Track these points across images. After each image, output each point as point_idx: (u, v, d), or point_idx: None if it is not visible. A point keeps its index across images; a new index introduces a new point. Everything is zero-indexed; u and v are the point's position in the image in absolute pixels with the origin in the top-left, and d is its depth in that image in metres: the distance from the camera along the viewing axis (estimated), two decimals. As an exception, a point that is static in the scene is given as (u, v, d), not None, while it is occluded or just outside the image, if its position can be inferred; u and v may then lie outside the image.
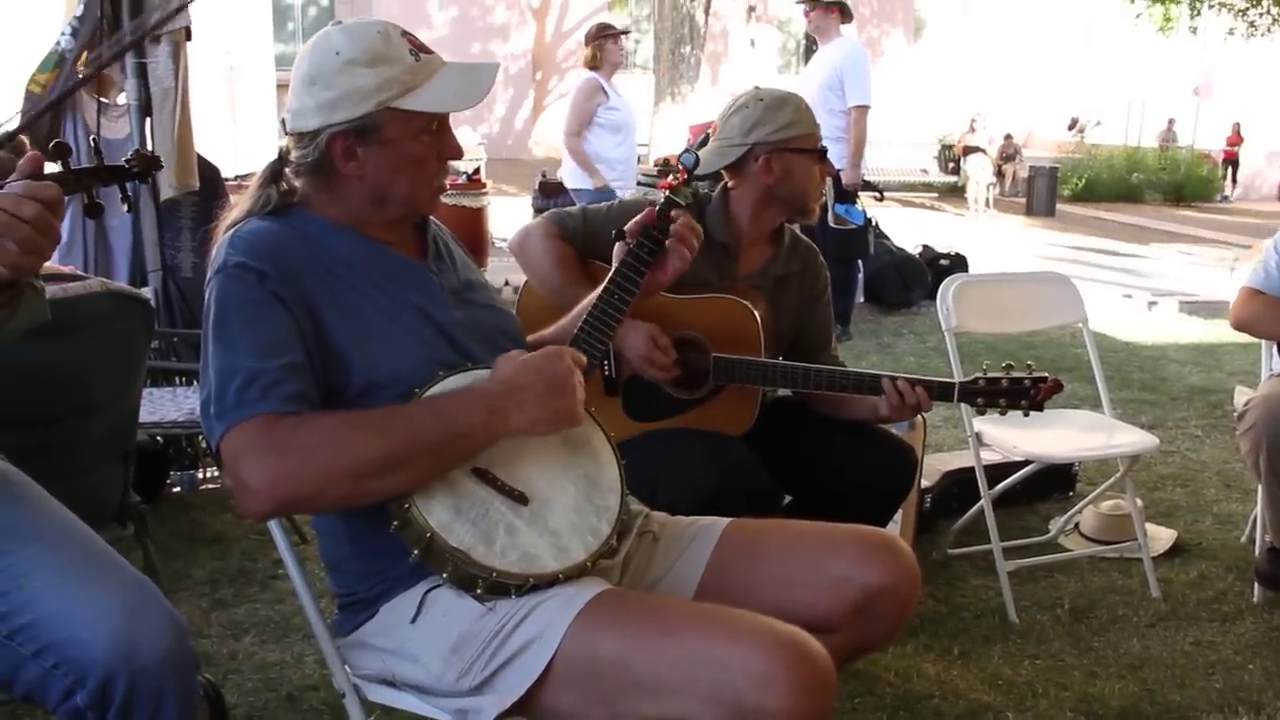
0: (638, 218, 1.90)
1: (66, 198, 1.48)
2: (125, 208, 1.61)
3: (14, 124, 3.85)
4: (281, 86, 11.54)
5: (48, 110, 2.44)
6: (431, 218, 1.83)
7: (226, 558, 3.57)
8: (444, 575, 1.57)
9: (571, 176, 6.42)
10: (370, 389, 1.62)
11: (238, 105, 9.62)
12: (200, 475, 4.20)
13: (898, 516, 3.25)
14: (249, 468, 1.49)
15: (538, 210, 7.35)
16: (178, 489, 4.13)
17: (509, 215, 9.18)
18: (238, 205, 1.74)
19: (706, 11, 13.72)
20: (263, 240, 1.63)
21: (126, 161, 1.56)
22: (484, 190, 7.13)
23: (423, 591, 1.63)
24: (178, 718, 1.51)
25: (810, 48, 12.44)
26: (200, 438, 4.06)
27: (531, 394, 1.60)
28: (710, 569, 1.81)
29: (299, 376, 1.55)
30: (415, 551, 1.55)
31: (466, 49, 18.47)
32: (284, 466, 1.49)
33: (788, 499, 2.65)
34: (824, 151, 2.62)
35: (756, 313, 2.46)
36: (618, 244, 1.89)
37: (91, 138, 1.71)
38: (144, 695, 1.47)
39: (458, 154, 1.77)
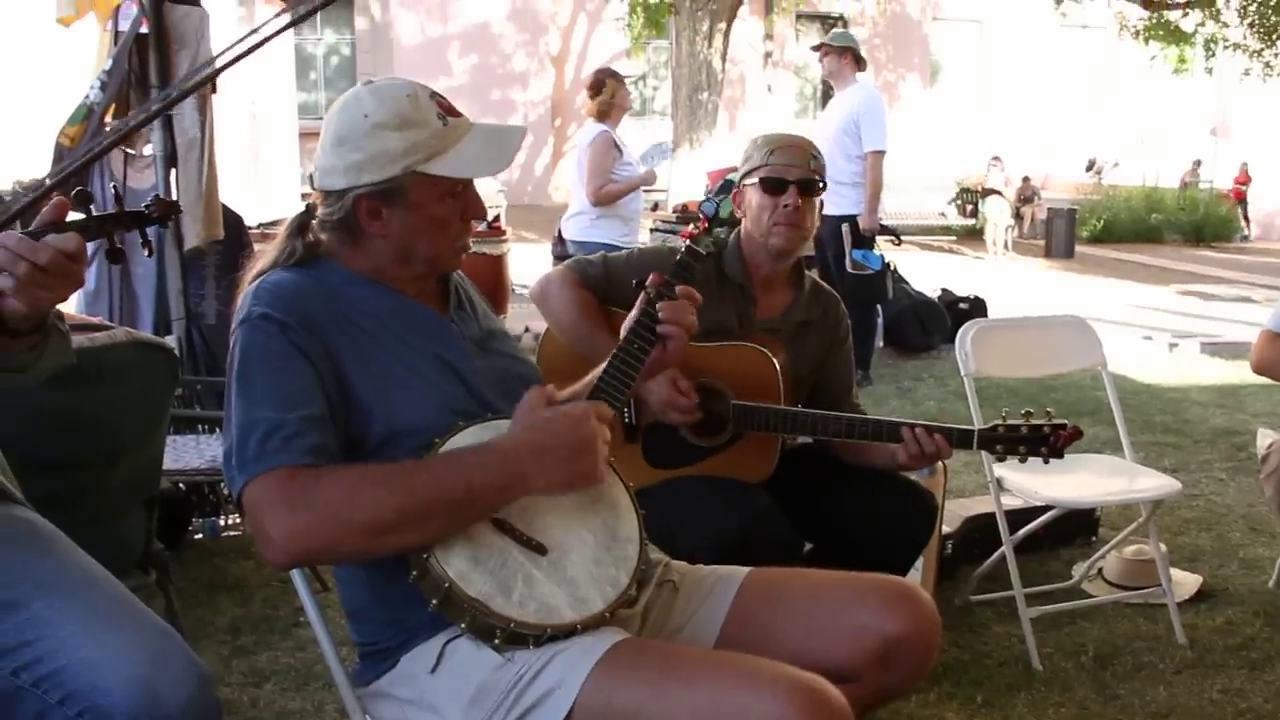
0: (657, 274, 1.91)
1: (90, 245, 1.51)
2: (146, 253, 1.64)
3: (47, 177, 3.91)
4: (304, 135, 11.70)
5: (82, 167, 2.47)
6: (457, 273, 1.86)
7: (248, 605, 3.57)
8: (462, 625, 1.58)
9: (577, 230, 6.40)
10: (391, 439, 1.64)
11: (260, 153, 9.74)
12: (222, 522, 4.22)
13: (919, 563, 3.23)
14: (269, 520, 1.51)
15: (558, 257, 7.37)
16: (200, 536, 4.15)
17: (529, 262, 9.23)
18: (263, 256, 1.77)
19: (723, 58, 13.82)
20: (286, 291, 1.66)
21: (146, 207, 1.58)
22: (504, 237, 7.17)
23: (442, 642, 1.63)
24: None
25: (827, 94, 12.51)
26: (222, 485, 4.09)
27: (554, 456, 1.60)
28: (731, 618, 1.81)
29: (320, 428, 1.57)
30: (434, 601, 1.56)
31: (486, 96, 18.65)
32: (302, 520, 1.51)
33: (808, 546, 2.64)
34: (777, 182, 2.60)
35: (776, 360, 2.47)
36: (640, 294, 1.91)
37: (113, 185, 1.74)
38: None
39: (481, 214, 1.80)
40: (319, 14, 19.43)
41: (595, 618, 1.61)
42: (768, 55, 21.51)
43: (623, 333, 1.85)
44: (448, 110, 1.71)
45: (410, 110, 1.67)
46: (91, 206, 1.54)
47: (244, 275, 1.75)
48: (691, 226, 2.02)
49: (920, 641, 1.79)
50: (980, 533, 3.78)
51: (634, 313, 1.86)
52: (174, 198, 4.19)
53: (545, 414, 1.64)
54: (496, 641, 1.57)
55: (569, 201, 6.54)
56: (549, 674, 1.56)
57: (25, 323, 1.51)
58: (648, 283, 1.90)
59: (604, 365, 1.87)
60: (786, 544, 2.44)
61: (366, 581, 1.71)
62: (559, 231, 6.72)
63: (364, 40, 19.46)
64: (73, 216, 1.52)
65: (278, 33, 1.61)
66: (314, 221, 1.75)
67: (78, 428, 2.43)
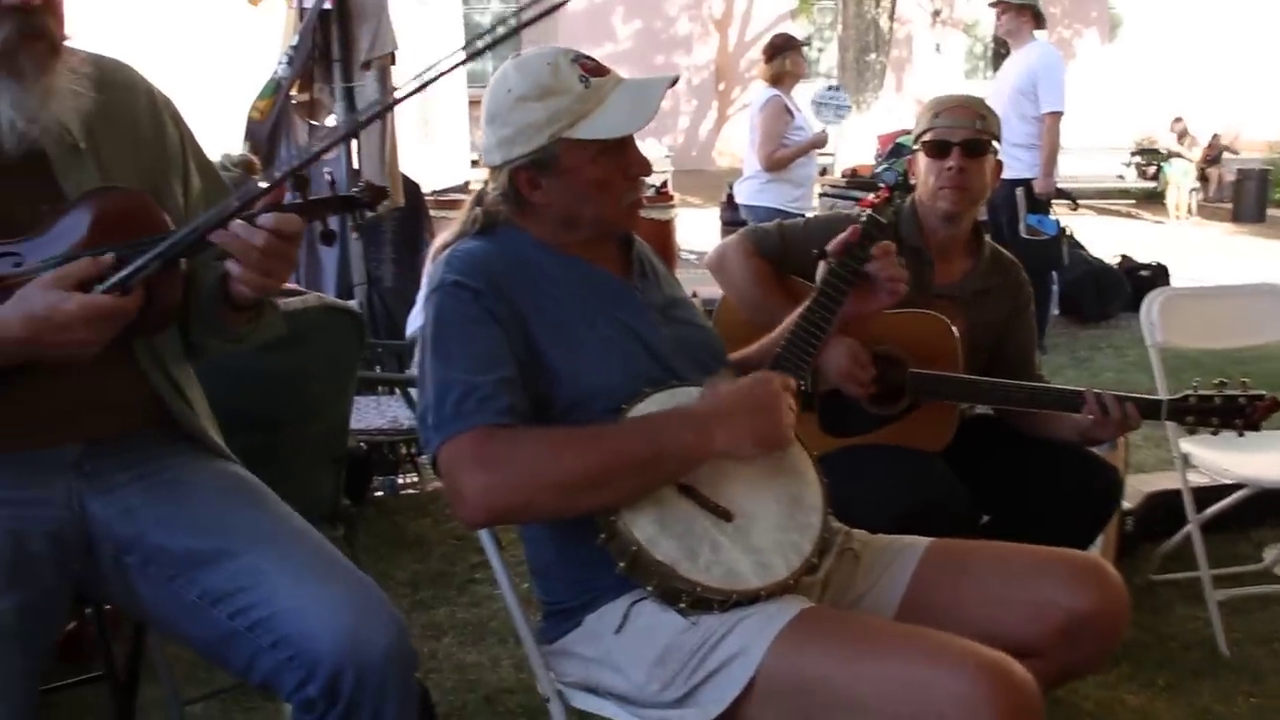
0: (841, 236, 1.90)
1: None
2: (355, 234, 1.71)
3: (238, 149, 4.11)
4: (473, 103, 11.93)
5: (320, 152, 2.57)
6: (637, 238, 1.88)
7: (426, 561, 3.70)
8: (649, 588, 1.60)
9: (748, 194, 6.40)
10: (578, 403, 1.67)
11: (431, 122, 9.98)
12: (400, 480, 4.39)
13: (1098, 539, 3.14)
14: (464, 479, 1.56)
15: (726, 223, 7.37)
16: (380, 493, 4.32)
17: (695, 227, 9.24)
18: (451, 226, 1.82)
19: (892, 17, 13.52)
20: (476, 259, 1.71)
21: (357, 191, 1.65)
22: (672, 203, 7.20)
23: (628, 603, 1.66)
24: (399, 713, 1.59)
25: (999, 51, 12.12)
26: (401, 444, 4.24)
27: (739, 417, 1.62)
28: (912, 589, 1.79)
29: (512, 391, 1.62)
30: (621, 564, 1.59)
31: (650, 61, 18.67)
32: (497, 478, 1.55)
33: (985, 518, 2.59)
34: (941, 144, 2.54)
35: (955, 328, 2.42)
36: (820, 263, 1.89)
37: (328, 171, 1.82)
38: (369, 690, 1.56)
39: (645, 169, 1.79)
40: (486, -18, 19.53)
41: (779, 584, 1.61)
42: (936, 13, 20.91)
43: (805, 303, 1.85)
44: (591, 71, 1.71)
45: (550, 79, 1.69)
46: (307, 190, 1.61)
47: (431, 243, 1.81)
48: (872, 195, 1.99)
49: (1108, 619, 1.75)
50: (1163, 509, 3.64)
51: (818, 276, 1.85)
52: (356, 167, 4.37)
53: (732, 383, 1.66)
54: (682, 605, 1.60)
55: (739, 166, 6.53)
56: (734, 639, 1.57)
57: (246, 299, 1.61)
58: (829, 248, 1.89)
59: (782, 329, 1.86)
60: (964, 515, 2.40)
61: (554, 542, 1.76)
62: (728, 196, 6.71)
63: (530, 8, 19.70)
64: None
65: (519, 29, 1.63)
66: (489, 198, 1.80)
67: (274, 389, 2.55)
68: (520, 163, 1.72)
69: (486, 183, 1.80)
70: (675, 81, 1.77)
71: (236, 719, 2.74)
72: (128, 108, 1.76)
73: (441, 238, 1.82)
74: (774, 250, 2.53)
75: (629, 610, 1.66)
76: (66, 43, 1.65)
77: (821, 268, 1.90)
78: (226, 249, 1.54)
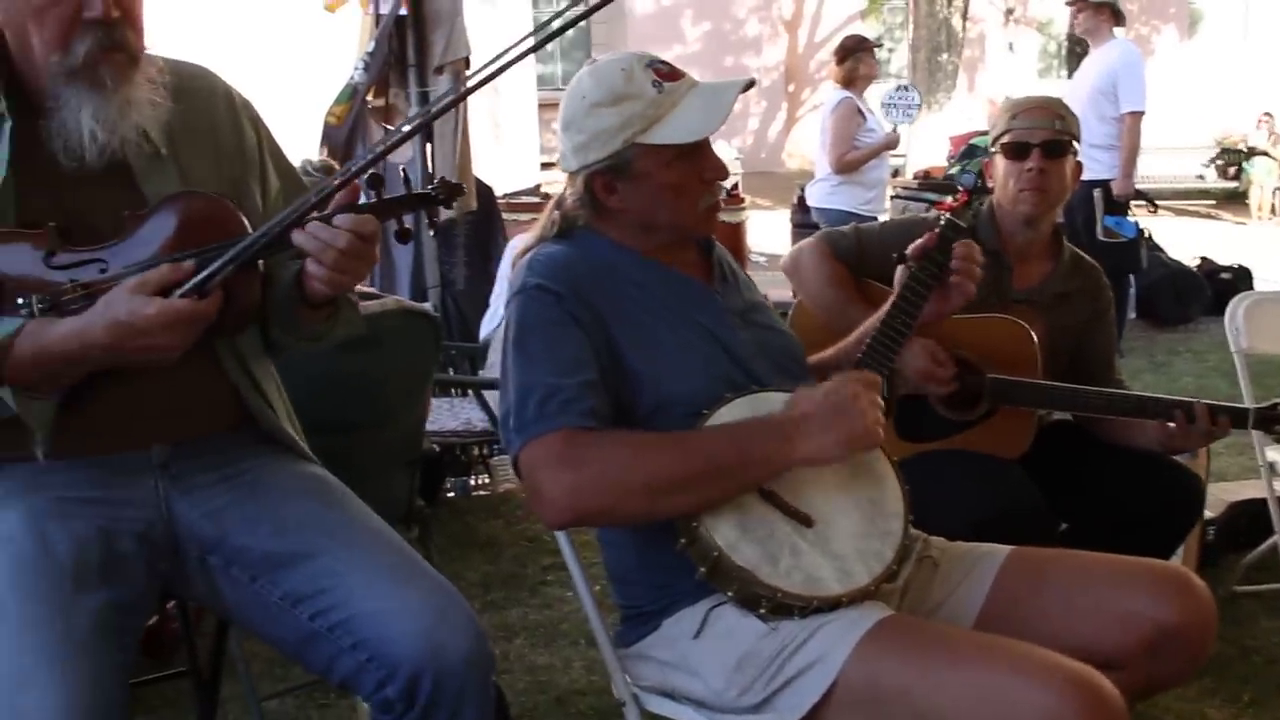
0: (919, 241, 1.88)
1: None
2: (432, 233, 1.73)
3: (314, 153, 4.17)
4: (542, 106, 12.00)
5: (398, 144, 2.61)
6: (717, 242, 1.88)
7: (497, 562, 3.73)
8: (729, 594, 1.60)
9: (819, 197, 6.37)
10: (659, 408, 1.68)
11: (501, 126, 10.04)
12: (472, 482, 4.42)
13: (1179, 549, 3.08)
14: (547, 480, 1.57)
15: (797, 225, 7.33)
16: (451, 494, 4.36)
17: (765, 229, 9.21)
18: (531, 230, 1.84)
19: (964, 16, 13.36)
20: (558, 263, 1.72)
21: (433, 189, 1.66)
22: (742, 205, 7.18)
23: (706, 608, 1.66)
24: (477, 716, 1.61)
25: (1074, 50, 11.91)
26: (473, 446, 4.28)
27: (822, 423, 1.61)
28: (991, 597, 1.77)
29: (594, 393, 1.62)
30: (702, 569, 1.59)
31: (719, 63, 18.64)
32: (580, 480, 1.56)
33: (1064, 526, 2.55)
34: (1019, 145, 2.50)
35: (1034, 334, 2.39)
36: (900, 267, 1.88)
37: (402, 168, 1.84)
38: (448, 694, 1.57)
39: (722, 174, 1.80)
40: (555, -15, 19.67)
41: (860, 591, 1.61)
42: (1009, 12, 20.63)
43: (885, 308, 1.84)
44: (666, 76, 1.71)
45: (623, 84, 1.70)
46: (382, 190, 1.63)
47: (504, 245, 1.83)
48: (951, 199, 1.97)
49: (1195, 632, 1.71)
50: (1246, 519, 3.55)
51: (898, 280, 1.84)
52: (431, 171, 4.42)
53: (814, 388, 1.65)
54: (762, 611, 1.59)
55: (809, 168, 6.50)
56: (813, 645, 1.57)
57: (322, 297, 1.64)
58: (909, 252, 1.87)
59: (860, 333, 1.85)
60: (1042, 523, 2.36)
61: (633, 546, 1.76)
62: (799, 198, 6.68)
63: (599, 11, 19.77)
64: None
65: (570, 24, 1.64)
66: (567, 203, 1.81)
67: (352, 392, 2.58)
68: (596, 168, 1.73)
69: (566, 187, 1.81)
70: (751, 85, 1.77)
71: (312, 715, 2.78)
72: (206, 112, 1.79)
73: (523, 242, 1.83)
74: (849, 253, 2.51)
75: (707, 615, 1.66)
76: (145, 51, 1.68)
77: (901, 272, 1.89)
78: (305, 249, 1.56)
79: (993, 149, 2.59)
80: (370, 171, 1.65)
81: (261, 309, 1.70)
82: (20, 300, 1.55)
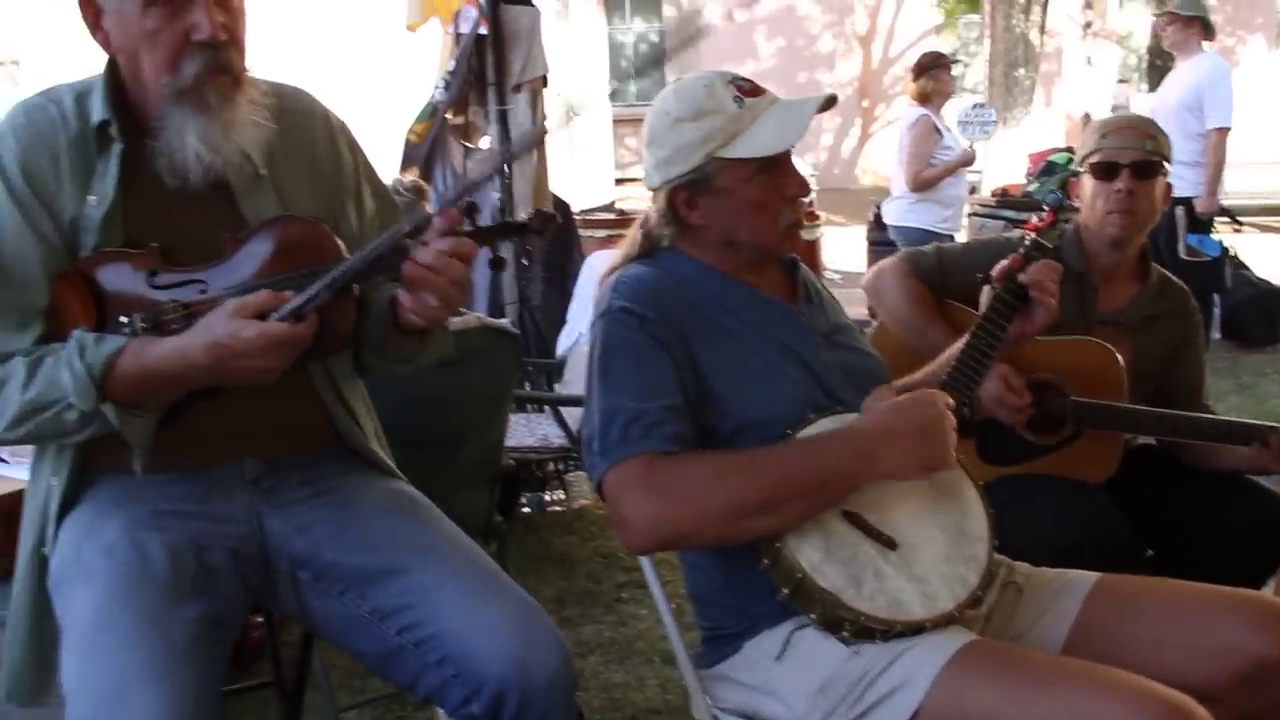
0: (1004, 262, 1.87)
1: None
2: (525, 261, 1.74)
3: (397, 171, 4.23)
4: (617, 123, 12.07)
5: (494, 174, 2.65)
6: (803, 265, 1.88)
7: (572, 578, 3.75)
8: (811, 616, 1.60)
9: (896, 214, 6.32)
10: (741, 430, 1.68)
11: (576, 143, 10.12)
12: (548, 498, 4.45)
13: (1270, 578, 3.00)
14: (630, 504, 1.58)
15: (873, 243, 7.29)
16: (527, 510, 4.39)
17: (840, 246, 9.15)
18: (617, 251, 1.85)
19: (1042, 30, 13.16)
20: (644, 285, 1.73)
21: (529, 219, 1.67)
22: (817, 222, 7.16)
23: (789, 631, 1.65)
24: None
25: (1154, 63, 11.68)
26: (549, 462, 4.31)
27: (902, 438, 1.61)
28: (1078, 625, 1.74)
29: (678, 417, 1.63)
30: (784, 590, 1.59)
31: (793, 79, 18.59)
32: (663, 505, 1.57)
33: (1150, 553, 2.50)
34: (1109, 166, 2.45)
35: (1120, 356, 2.35)
36: (985, 288, 1.86)
37: (497, 197, 1.86)
38: (533, 712, 1.59)
39: (803, 190, 1.80)
40: (628, 2, 19.77)
41: (944, 616, 1.59)
42: (1087, 25, 20.29)
43: (970, 330, 1.82)
44: (747, 92, 1.73)
45: (705, 100, 1.72)
46: (477, 218, 1.65)
47: (580, 261, 1.84)
48: (1036, 219, 1.95)
49: (1293, 666, 1.66)
50: (1341, 546, 3.46)
51: (983, 301, 1.82)
52: (511, 186, 4.47)
53: (893, 400, 1.64)
54: (845, 634, 1.59)
55: (883, 184, 6.47)
56: (897, 669, 1.55)
57: (415, 326, 1.66)
58: (994, 274, 1.86)
59: (946, 356, 1.84)
60: (1128, 550, 2.31)
61: (715, 568, 1.76)
62: (875, 215, 6.64)
63: (672, 27, 19.83)
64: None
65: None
66: (651, 220, 1.83)
67: (434, 408, 2.61)
68: (677, 183, 1.75)
69: (650, 206, 1.83)
70: (833, 102, 1.77)
71: (390, 727, 2.81)
72: (305, 134, 1.83)
73: (609, 262, 1.85)
74: (931, 273, 2.49)
75: (790, 637, 1.65)
76: (248, 73, 1.73)
77: (985, 293, 1.87)
78: (409, 276, 1.58)
79: (1080, 168, 2.55)
80: (468, 201, 1.66)
81: (355, 333, 1.73)
82: (124, 319, 1.61)
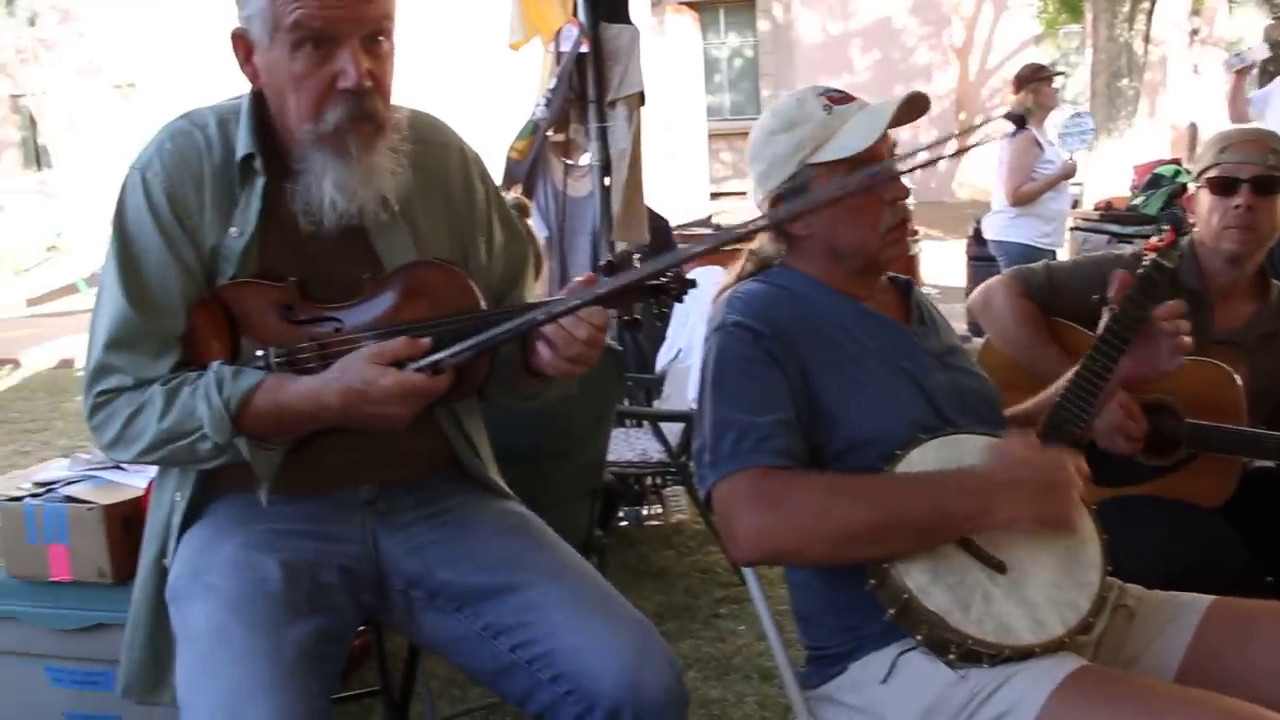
0: (1118, 285, 1.83)
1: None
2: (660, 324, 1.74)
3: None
4: (712, 137, 12.09)
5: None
6: (915, 285, 1.87)
7: (670, 593, 3.76)
8: (917, 638, 1.59)
9: (996, 229, 6.22)
10: (851, 447, 1.68)
11: (673, 158, 10.16)
12: (645, 512, 4.47)
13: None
14: (738, 518, 1.59)
15: (972, 258, 7.18)
16: (624, 523, 4.42)
17: (938, 260, 9.05)
18: (732, 267, 1.88)
19: (1146, 39, 12.86)
20: (758, 301, 1.74)
21: (667, 282, 1.67)
22: (915, 236, 7.08)
23: (895, 653, 1.64)
24: None
25: (1266, 69, 11.35)
26: (647, 476, 4.33)
27: (1028, 493, 1.59)
28: (1193, 651, 1.70)
29: (790, 433, 1.64)
30: (890, 611, 1.58)
31: (888, 92, 18.08)
32: (771, 521, 1.57)
33: (1269, 579, 2.43)
34: (1227, 181, 2.39)
35: (1237, 377, 2.29)
36: (1104, 310, 1.84)
37: (637, 257, 1.88)
38: None
39: (901, 193, 1.79)
40: (722, 17, 19.73)
41: (1053, 642, 1.57)
42: (1194, 33, 19.80)
43: (1086, 353, 1.79)
44: (837, 101, 1.76)
45: (796, 111, 1.76)
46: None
47: (720, 288, 1.86)
48: (1155, 238, 1.92)
49: None
50: None
51: (1100, 327, 1.79)
52: (610, 202, 4.50)
53: (1024, 451, 1.63)
54: (951, 657, 1.57)
55: (980, 198, 6.37)
56: (1005, 694, 1.53)
57: (547, 373, 1.69)
58: (1109, 295, 1.83)
59: (1060, 384, 1.82)
60: (1246, 575, 2.25)
61: (821, 588, 1.76)
62: (975, 230, 6.55)
63: (766, 41, 19.80)
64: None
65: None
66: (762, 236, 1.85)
67: (539, 423, 2.63)
68: (776, 194, 1.78)
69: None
70: (920, 102, 1.74)
71: (490, 738, 2.85)
72: (440, 166, 1.84)
73: (724, 279, 1.87)
74: (1041, 292, 2.46)
75: (896, 660, 1.64)
76: (391, 119, 1.73)
77: (1104, 314, 1.84)
78: (548, 338, 1.61)
79: (1198, 183, 2.50)
80: (609, 261, 1.68)
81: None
82: (259, 352, 1.65)
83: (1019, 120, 1.79)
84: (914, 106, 1.75)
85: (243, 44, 1.68)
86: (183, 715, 1.57)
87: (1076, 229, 7.20)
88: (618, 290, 1.60)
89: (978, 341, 2.70)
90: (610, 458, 3.72)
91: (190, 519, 1.78)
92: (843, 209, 1.74)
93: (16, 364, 10.22)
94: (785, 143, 1.75)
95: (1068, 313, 2.37)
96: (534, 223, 4.69)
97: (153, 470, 2.26)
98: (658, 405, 4.44)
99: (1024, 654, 1.56)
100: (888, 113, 1.74)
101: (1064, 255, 6.29)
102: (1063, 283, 2.44)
